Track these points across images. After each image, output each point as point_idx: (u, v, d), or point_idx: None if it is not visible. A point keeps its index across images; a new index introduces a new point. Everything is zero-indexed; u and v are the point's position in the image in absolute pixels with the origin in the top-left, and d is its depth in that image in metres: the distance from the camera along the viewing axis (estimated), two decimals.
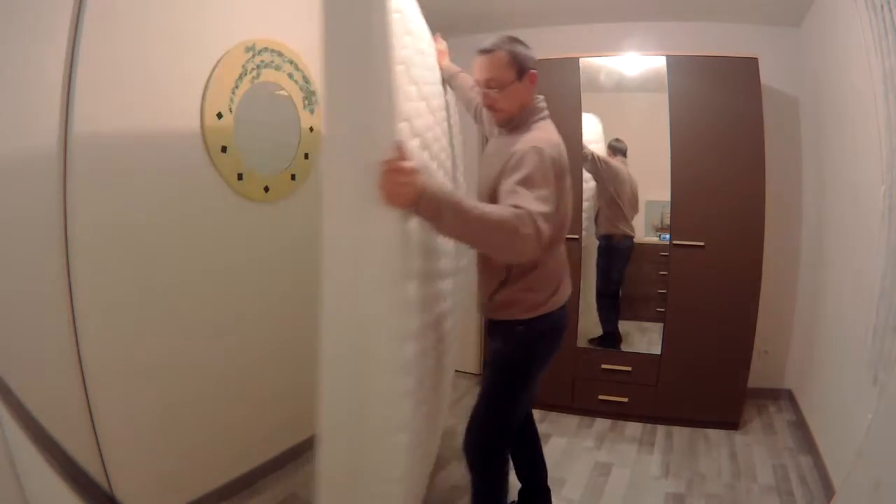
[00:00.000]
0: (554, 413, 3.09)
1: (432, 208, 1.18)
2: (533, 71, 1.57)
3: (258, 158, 2.24)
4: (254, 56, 2.16)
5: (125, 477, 1.78)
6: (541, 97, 1.65)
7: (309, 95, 2.46)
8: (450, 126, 2.04)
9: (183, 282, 1.98)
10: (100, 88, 1.67)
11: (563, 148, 1.56)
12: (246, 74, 2.14)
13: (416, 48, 1.55)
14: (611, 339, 3.16)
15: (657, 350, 2.95)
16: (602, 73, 3.06)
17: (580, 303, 3.03)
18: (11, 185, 1.51)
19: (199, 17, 1.98)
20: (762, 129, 2.73)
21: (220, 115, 2.05)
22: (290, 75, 2.35)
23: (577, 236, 2.98)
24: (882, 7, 1.76)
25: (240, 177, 2.16)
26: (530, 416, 1.98)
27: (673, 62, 2.84)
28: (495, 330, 1.69)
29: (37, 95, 1.56)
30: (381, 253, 1.15)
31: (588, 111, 2.98)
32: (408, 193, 1.13)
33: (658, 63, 2.88)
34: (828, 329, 2.57)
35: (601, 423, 2.98)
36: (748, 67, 2.72)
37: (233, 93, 2.09)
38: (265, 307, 2.33)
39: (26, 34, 1.52)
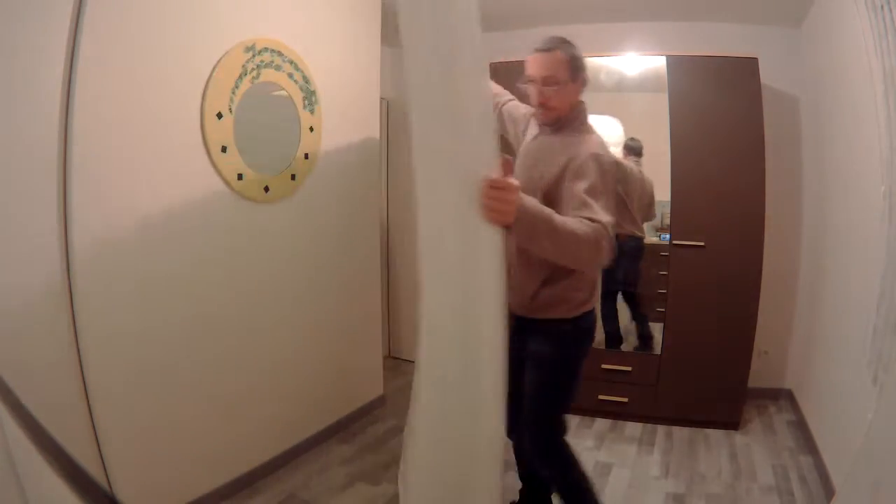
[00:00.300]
0: None
1: (529, 226, 1.19)
2: (586, 75, 1.61)
3: (258, 158, 2.24)
4: (254, 56, 2.16)
5: (125, 477, 1.78)
6: (583, 101, 1.67)
7: (309, 95, 2.46)
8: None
9: (183, 282, 1.98)
10: (99, 88, 1.67)
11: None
12: (246, 74, 2.14)
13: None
14: (611, 339, 3.15)
15: (657, 350, 2.95)
16: (602, 73, 3.05)
17: None
18: (11, 185, 1.51)
19: (199, 17, 1.97)
20: (762, 129, 2.73)
21: (220, 115, 2.05)
22: (290, 75, 2.35)
23: None
24: (882, 7, 1.76)
25: (240, 177, 2.16)
26: None
27: (673, 62, 2.84)
28: (533, 329, 1.67)
29: (37, 95, 1.56)
30: (487, 268, 1.10)
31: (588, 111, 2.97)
32: (510, 211, 1.12)
33: (658, 63, 2.88)
34: (828, 329, 2.57)
35: (601, 423, 2.98)
36: (748, 67, 2.72)
37: (233, 93, 2.09)
38: (265, 307, 2.33)
39: (26, 34, 1.52)
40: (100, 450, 1.73)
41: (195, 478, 2.06)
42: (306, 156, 2.48)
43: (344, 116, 2.71)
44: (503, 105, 1.95)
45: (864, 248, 2.01)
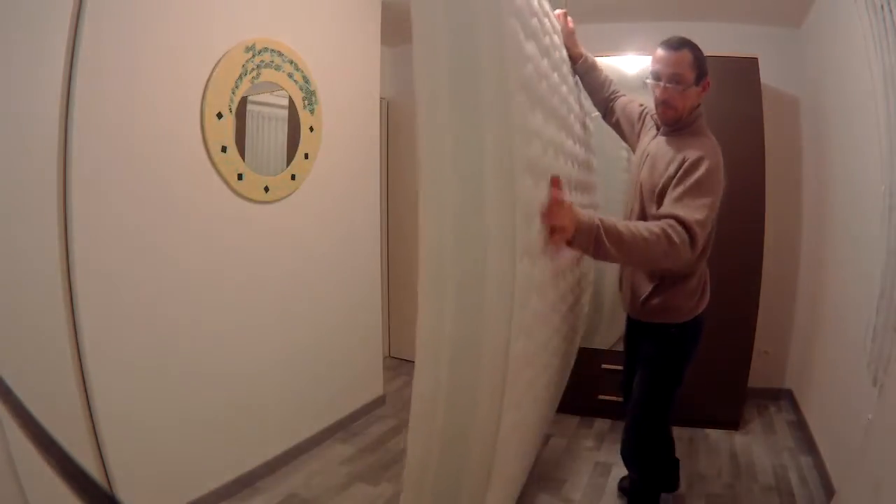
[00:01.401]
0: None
1: (588, 239, 1.28)
2: (708, 79, 1.64)
3: (258, 158, 2.24)
4: (254, 56, 2.16)
5: (125, 477, 1.78)
6: (701, 105, 1.70)
7: (309, 95, 2.46)
8: (584, 126, 1.97)
9: (183, 281, 1.98)
10: (99, 88, 1.67)
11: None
12: (246, 74, 2.14)
13: (541, 54, 1.39)
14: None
15: None
16: None
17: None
18: (11, 185, 1.51)
19: (200, 16, 1.97)
20: (762, 129, 2.73)
21: (220, 115, 2.05)
22: (290, 75, 2.35)
23: None
24: (882, 7, 1.76)
25: (240, 177, 2.16)
26: None
27: None
28: (645, 331, 1.80)
29: (37, 95, 1.56)
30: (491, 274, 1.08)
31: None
32: (568, 228, 1.22)
33: None
34: (828, 329, 2.57)
35: (601, 423, 2.98)
36: (748, 67, 2.72)
37: (233, 93, 2.09)
38: (265, 307, 2.33)
39: (26, 34, 1.52)
40: (100, 450, 1.73)
41: (195, 478, 2.06)
42: (306, 156, 2.48)
43: (344, 116, 2.71)
44: (615, 99, 2.00)
45: (864, 248, 2.01)
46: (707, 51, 2.82)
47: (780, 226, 3.07)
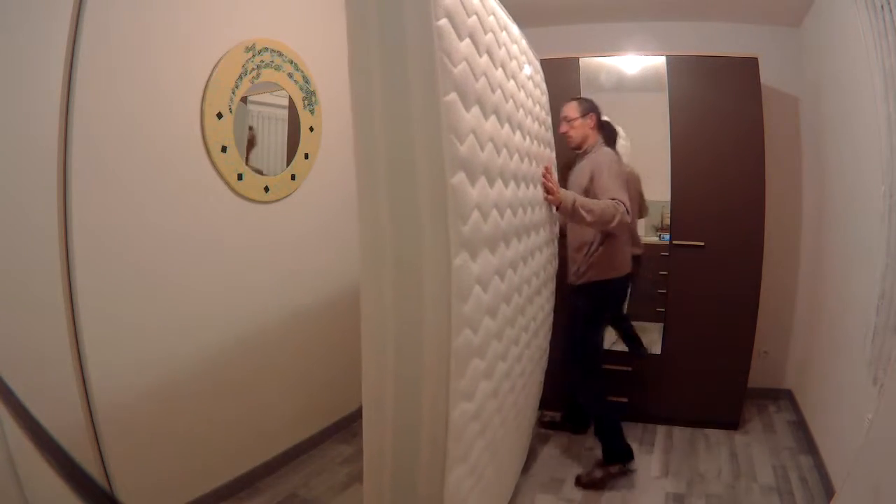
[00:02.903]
0: (554, 413, 3.09)
1: (571, 206, 2.10)
2: (593, 114, 2.39)
3: (258, 158, 2.24)
4: (254, 56, 2.16)
5: (125, 477, 1.78)
6: (597, 133, 2.41)
7: (309, 95, 2.46)
8: (541, 123, 2.19)
9: (183, 282, 1.98)
10: (100, 88, 1.67)
11: (618, 157, 2.39)
12: (246, 74, 2.14)
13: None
14: None
15: (657, 350, 2.95)
16: (602, 73, 3.05)
17: None
18: (11, 185, 1.51)
19: (199, 17, 1.97)
20: (762, 129, 2.73)
21: (220, 115, 2.05)
22: (290, 75, 2.35)
23: None
24: (882, 7, 1.76)
25: (240, 177, 2.16)
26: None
27: (673, 62, 2.84)
28: (579, 292, 2.43)
29: (37, 95, 1.56)
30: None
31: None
32: (556, 191, 2.11)
33: (658, 63, 2.88)
34: (828, 329, 2.57)
35: None
36: (748, 67, 2.72)
37: (233, 93, 2.09)
38: (265, 308, 2.33)
39: (26, 34, 1.52)
40: (100, 450, 1.73)
41: (195, 478, 2.06)
42: (306, 156, 2.48)
43: (344, 116, 2.70)
44: None
45: (864, 248, 2.01)
46: (707, 51, 2.86)
47: (780, 226, 3.08)
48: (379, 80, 1.09)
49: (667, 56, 2.85)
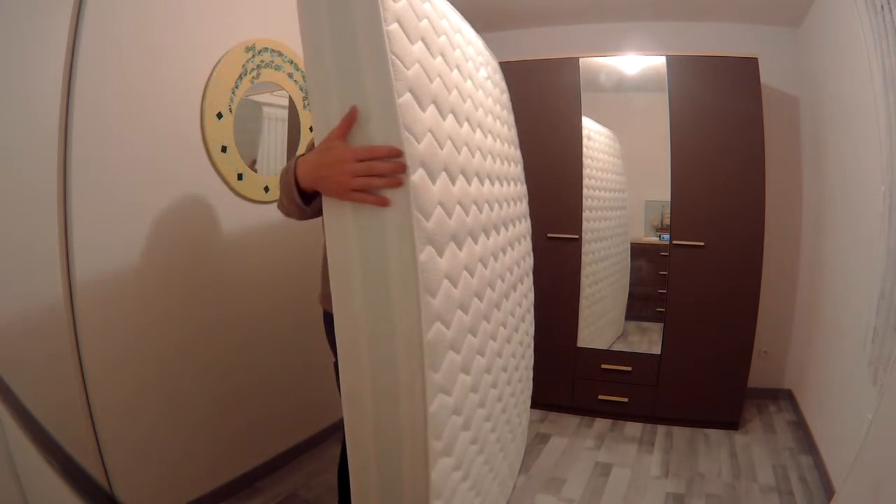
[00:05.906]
0: (554, 413, 3.09)
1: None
2: None
3: (258, 158, 2.24)
4: (254, 56, 2.16)
5: (125, 477, 1.78)
6: None
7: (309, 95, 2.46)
8: (503, 122, 2.08)
9: (183, 282, 1.98)
10: (100, 88, 1.67)
11: None
12: (246, 74, 2.14)
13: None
14: None
15: (657, 350, 2.95)
16: (602, 73, 3.05)
17: (580, 303, 3.02)
18: (11, 184, 1.51)
19: (199, 16, 1.97)
20: (762, 129, 2.73)
21: (220, 115, 2.05)
22: (290, 75, 2.35)
23: (576, 236, 2.98)
24: (882, 7, 1.76)
25: (240, 177, 2.16)
26: None
27: (673, 62, 2.84)
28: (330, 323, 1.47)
29: (37, 94, 1.56)
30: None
31: (588, 111, 2.97)
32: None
33: (658, 63, 2.88)
34: (828, 329, 2.57)
35: (601, 423, 2.98)
36: (748, 67, 2.72)
37: (233, 93, 2.09)
38: (265, 307, 2.33)
39: (26, 33, 1.52)
40: (100, 450, 1.73)
41: (195, 478, 2.06)
42: None
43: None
44: None
45: (865, 248, 2.01)
46: (707, 51, 2.87)
47: (780, 226, 3.08)
48: (335, 86, 1.16)
49: (667, 56, 2.85)
